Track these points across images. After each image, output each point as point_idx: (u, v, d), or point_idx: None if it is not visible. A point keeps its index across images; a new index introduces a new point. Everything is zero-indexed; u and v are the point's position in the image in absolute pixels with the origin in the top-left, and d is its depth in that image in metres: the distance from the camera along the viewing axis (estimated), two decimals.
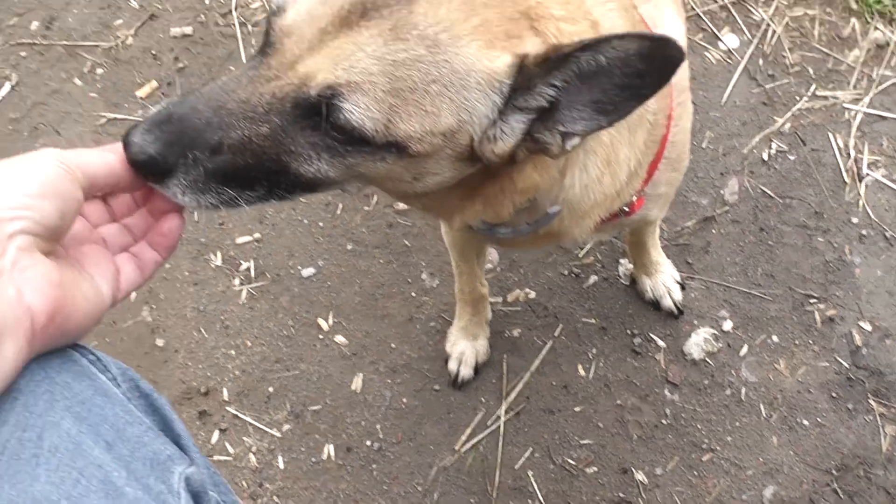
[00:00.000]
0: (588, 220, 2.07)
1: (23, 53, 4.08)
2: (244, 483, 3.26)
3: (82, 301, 1.33)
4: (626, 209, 2.17)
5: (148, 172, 1.50)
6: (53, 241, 1.31)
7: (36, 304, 1.22)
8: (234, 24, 4.05)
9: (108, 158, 1.42)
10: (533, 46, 1.54)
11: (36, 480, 1.22)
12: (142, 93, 3.94)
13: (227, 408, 3.36)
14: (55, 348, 1.37)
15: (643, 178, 2.13)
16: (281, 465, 3.26)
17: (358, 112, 1.46)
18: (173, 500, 1.42)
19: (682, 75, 2.26)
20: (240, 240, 3.62)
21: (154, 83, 3.95)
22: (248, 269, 3.57)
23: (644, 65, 1.39)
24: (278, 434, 3.31)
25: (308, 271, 3.53)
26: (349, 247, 3.55)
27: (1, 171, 1.27)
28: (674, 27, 2.24)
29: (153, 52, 4.02)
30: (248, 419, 3.34)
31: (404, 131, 1.51)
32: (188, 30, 4.04)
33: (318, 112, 1.49)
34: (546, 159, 1.71)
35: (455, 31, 1.48)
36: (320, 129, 1.52)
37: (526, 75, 1.51)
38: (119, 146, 1.48)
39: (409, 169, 1.61)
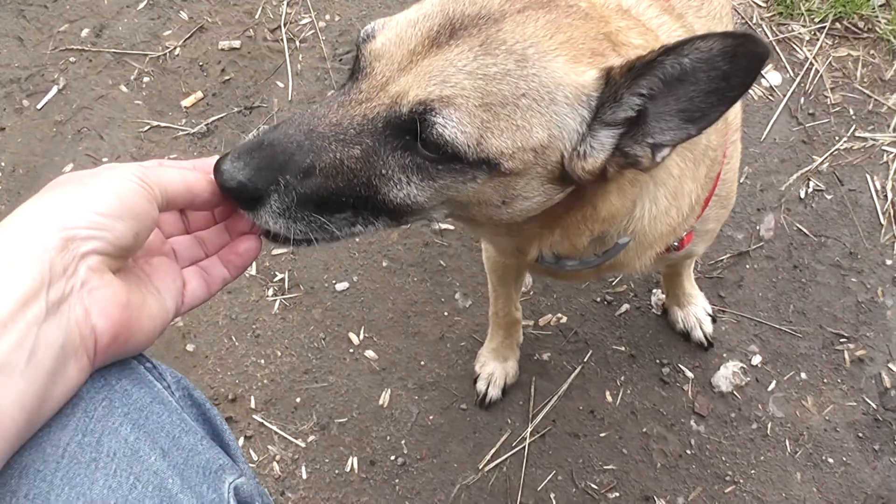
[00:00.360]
0: (651, 251, 2.08)
1: (72, 59, 4.17)
2: (267, 491, 3.27)
3: (147, 321, 1.35)
4: (676, 244, 2.17)
5: (239, 199, 1.54)
6: (125, 258, 1.33)
7: (101, 325, 1.24)
8: (282, 40, 4.12)
9: (187, 176, 1.42)
10: (617, 63, 1.57)
11: (94, 484, 1.25)
12: (186, 102, 4.01)
13: (254, 415, 3.39)
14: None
15: (698, 213, 2.14)
16: (304, 475, 3.28)
17: (451, 126, 1.49)
18: None
19: (735, 113, 2.29)
20: (276, 251, 3.67)
21: (199, 94, 4.02)
22: (282, 281, 3.61)
23: (728, 65, 1.41)
24: (303, 444, 3.33)
25: (342, 285, 3.57)
26: (384, 263, 3.59)
27: (79, 186, 1.27)
28: None
29: (200, 63, 4.10)
30: (274, 428, 3.36)
31: (496, 147, 1.54)
32: (236, 43, 4.11)
33: (409, 131, 1.53)
34: (626, 185, 1.74)
35: (542, 47, 1.53)
36: (411, 149, 1.56)
37: (612, 87, 1.55)
38: (201, 163, 1.51)
39: (499, 191, 1.63)
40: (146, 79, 4.10)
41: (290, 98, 3.96)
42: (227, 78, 4.05)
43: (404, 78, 1.52)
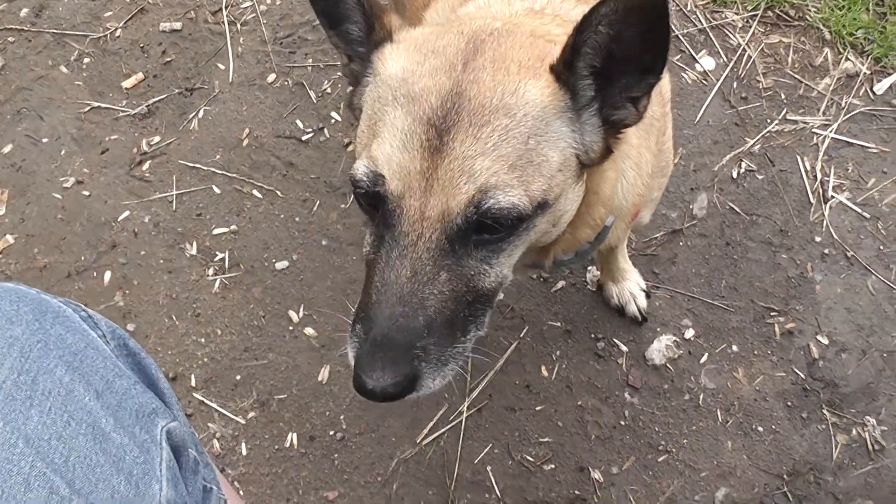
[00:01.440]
0: (623, 224, 2.27)
1: (10, 39, 4.14)
2: (200, 440, 3.27)
3: None
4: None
5: (402, 395, 1.64)
6: None
7: None
8: (223, 22, 4.13)
9: None
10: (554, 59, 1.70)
11: (29, 420, 1.28)
12: (127, 84, 4.00)
13: (194, 394, 3.39)
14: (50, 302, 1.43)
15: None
16: (244, 452, 3.29)
17: (505, 202, 1.59)
18: (156, 449, 1.47)
19: (666, 87, 2.40)
20: (216, 230, 3.67)
21: (140, 75, 4.02)
22: (222, 260, 3.62)
23: (637, 14, 1.49)
24: (243, 421, 3.34)
25: (282, 264, 3.58)
26: (324, 242, 3.61)
27: None
28: None
29: (141, 45, 4.09)
30: (214, 405, 3.37)
31: (538, 189, 1.65)
32: (177, 25, 4.11)
33: (472, 231, 1.64)
34: (617, 159, 1.86)
35: (510, 87, 1.63)
36: (482, 243, 1.68)
37: (564, 79, 1.67)
38: None
39: (550, 218, 1.76)
40: (86, 60, 4.08)
41: (230, 80, 3.97)
42: (167, 60, 4.05)
43: (435, 197, 1.60)
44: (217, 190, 3.75)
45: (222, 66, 4.01)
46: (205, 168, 3.80)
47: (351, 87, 1.90)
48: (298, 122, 3.85)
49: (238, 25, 4.12)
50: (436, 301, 1.64)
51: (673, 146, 2.48)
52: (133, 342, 1.65)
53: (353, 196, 1.82)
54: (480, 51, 1.67)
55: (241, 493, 3.23)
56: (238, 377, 3.42)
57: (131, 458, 1.40)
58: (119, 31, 4.13)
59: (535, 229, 1.73)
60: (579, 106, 1.70)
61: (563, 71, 1.64)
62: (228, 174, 3.78)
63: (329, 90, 3.89)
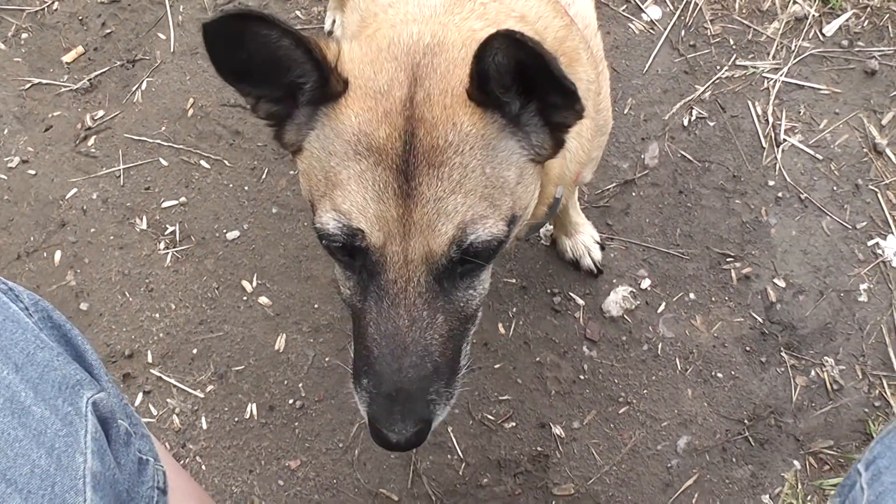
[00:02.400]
0: (570, 187, 2.31)
1: None
2: (167, 444, 3.25)
3: None
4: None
5: (423, 440, 1.71)
6: None
7: None
8: None
9: None
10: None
11: None
12: (68, 58, 3.92)
13: (151, 370, 3.36)
14: None
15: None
16: (204, 426, 3.26)
17: (483, 234, 1.62)
18: (80, 421, 1.44)
19: (598, 46, 2.39)
20: (165, 204, 3.62)
21: (80, 49, 3.93)
22: (173, 233, 3.57)
23: (517, 50, 1.45)
24: (202, 395, 3.31)
25: (233, 234, 3.53)
26: (274, 210, 3.56)
27: None
28: (583, 3, 2.36)
29: (80, 17, 3.99)
30: (172, 381, 3.34)
31: (507, 209, 1.68)
32: None
33: (456, 266, 1.67)
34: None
35: (449, 123, 1.61)
36: (468, 273, 1.71)
37: (483, 103, 1.64)
38: None
39: (520, 223, 1.80)
40: (24, 35, 3.99)
41: (172, 50, 3.89)
42: (108, 31, 3.96)
43: (415, 240, 1.60)
44: (164, 162, 3.69)
45: (163, 36, 3.93)
46: (151, 141, 3.73)
47: (272, 127, 1.83)
48: None
49: None
50: (438, 345, 1.67)
51: (621, 103, 2.47)
52: (58, 314, 1.61)
53: (324, 247, 1.74)
54: (419, 82, 1.64)
55: (203, 467, 3.21)
56: (195, 351, 3.38)
57: (53, 432, 1.37)
58: (56, 3, 4.02)
59: (510, 241, 1.76)
60: (513, 117, 1.68)
61: (479, 96, 1.62)
62: (175, 146, 3.71)
63: None
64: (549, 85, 1.52)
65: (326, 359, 3.31)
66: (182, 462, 3.22)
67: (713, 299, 3.31)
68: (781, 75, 3.67)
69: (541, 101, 1.66)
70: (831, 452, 3.07)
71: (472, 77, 1.58)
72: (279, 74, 1.65)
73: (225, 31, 1.49)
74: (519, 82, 1.60)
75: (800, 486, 3.04)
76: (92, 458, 1.42)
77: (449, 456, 3.13)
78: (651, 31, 3.80)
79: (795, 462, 3.08)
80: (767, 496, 3.04)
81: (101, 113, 3.81)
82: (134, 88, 3.84)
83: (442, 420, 1.75)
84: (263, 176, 3.61)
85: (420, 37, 1.72)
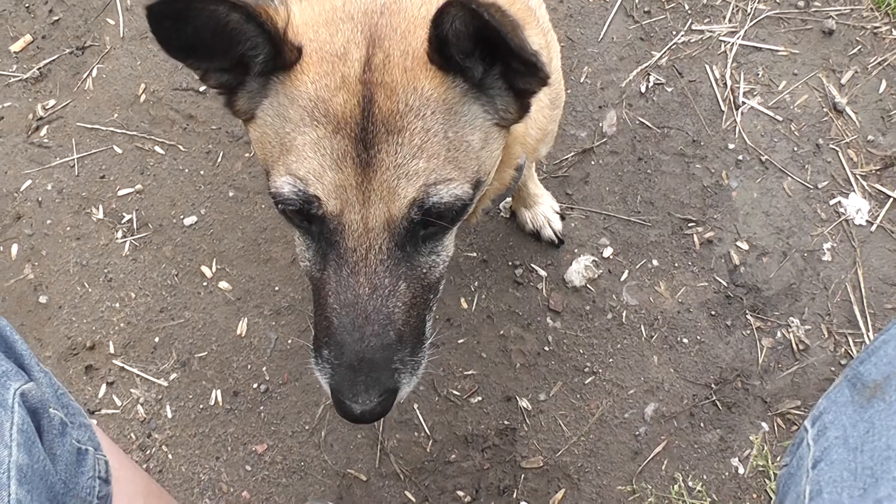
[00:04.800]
0: (531, 157, 2.27)
1: None
2: (133, 435, 3.21)
3: None
4: None
5: (388, 411, 1.66)
6: None
7: None
8: None
9: None
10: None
11: None
12: (15, 47, 3.85)
13: (114, 361, 3.31)
14: None
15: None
16: (169, 415, 3.22)
17: (448, 194, 1.58)
18: (5, 413, 1.40)
19: (544, 16, 2.34)
20: (121, 192, 3.56)
21: (28, 37, 3.86)
22: (130, 221, 3.52)
23: (473, 19, 1.42)
24: (165, 383, 3.27)
25: (190, 220, 3.48)
26: (231, 194, 3.51)
27: None
28: None
29: (26, 5, 3.92)
30: (135, 371, 3.29)
31: (471, 172, 1.63)
32: None
33: (418, 230, 1.62)
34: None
35: (409, 87, 1.56)
36: (431, 236, 1.67)
37: (445, 68, 1.59)
38: None
39: (486, 183, 1.74)
40: None
41: (121, 35, 3.82)
42: (55, 18, 3.89)
43: (375, 207, 1.56)
44: (118, 150, 3.63)
45: (112, 21, 3.86)
46: (104, 128, 3.67)
47: (223, 96, 1.75)
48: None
49: None
50: (401, 313, 1.64)
51: (577, 71, 2.43)
52: None
53: (280, 211, 1.69)
54: (378, 43, 1.59)
55: (169, 456, 3.17)
56: (157, 339, 3.34)
57: None
58: None
59: (473, 205, 1.71)
60: (476, 81, 1.63)
61: (440, 60, 1.57)
62: (128, 132, 3.65)
63: None
64: (511, 52, 1.47)
65: (289, 341, 3.27)
66: (148, 452, 3.18)
67: (676, 265, 3.29)
68: (738, 38, 3.65)
69: (504, 66, 1.61)
70: (799, 412, 3.06)
71: (431, 42, 1.54)
72: (228, 48, 1.58)
73: (169, 11, 1.44)
74: (481, 47, 1.56)
75: (767, 448, 3.03)
76: (18, 450, 1.38)
77: (416, 433, 3.10)
78: None
79: (763, 424, 3.07)
80: (736, 459, 3.03)
81: (52, 102, 3.75)
82: (84, 76, 3.78)
83: (409, 391, 1.71)
84: (219, 159, 3.56)
85: None
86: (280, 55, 1.59)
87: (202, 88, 3.68)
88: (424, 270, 1.70)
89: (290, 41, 1.60)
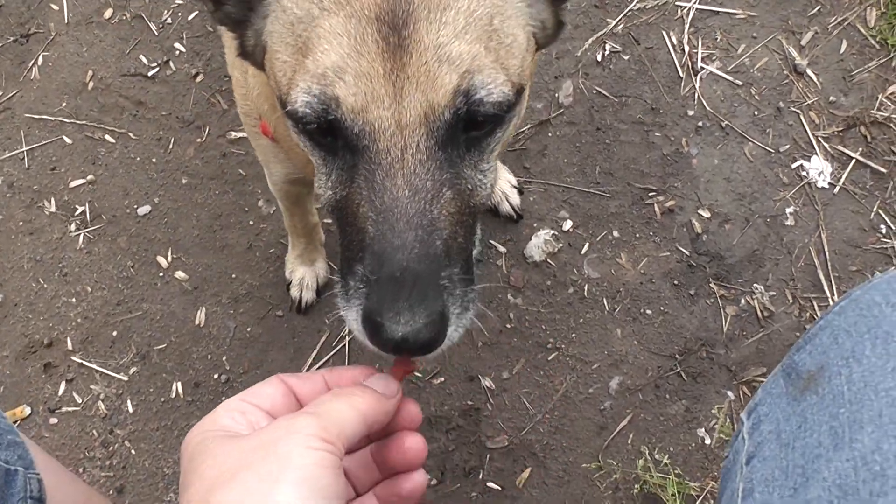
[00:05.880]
0: None
1: None
2: (94, 432, 3.16)
3: None
4: None
5: (437, 342, 1.35)
6: None
7: None
8: None
9: (365, 413, 1.16)
10: None
11: None
12: None
13: (73, 357, 3.26)
14: None
15: None
16: (130, 409, 3.17)
17: (495, 87, 1.38)
18: None
19: None
20: (73, 183, 3.49)
21: None
22: (83, 213, 3.45)
23: None
24: (125, 378, 3.22)
25: (144, 209, 3.42)
26: (184, 181, 3.44)
27: (266, 476, 1.01)
28: None
29: None
30: (94, 366, 3.24)
31: (515, 71, 1.45)
32: None
33: (459, 128, 1.41)
34: None
35: None
36: (473, 142, 1.45)
37: None
38: (360, 372, 1.26)
39: (524, 98, 1.57)
40: None
41: (66, 21, 3.74)
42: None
43: (410, 98, 1.34)
44: (68, 140, 3.56)
45: (56, 7, 3.77)
46: (52, 118, 3.59)
47: (233, 32, 1.62)
48: (142, 57, 3.64)
49: None
50: (448, 222, 1.38)
51: None
52: None
53: (299, 134, 1.49)
54: None
55: (133, 451, 3.13)
56: (115, 333, 3.28)
57: None
58: None
59: (514, 121, 1.54)
60: None
61: None
62: (77, 122, 3.58)
63: (169, 20, 3.68)
64: None
65: (248, 329, 3.22)
66: (111, 448, 3.13)
67: (637, 235, 3.25)
68: (695, 3, 3.60)
69: None
70: (764, 380, 3.03)
71: None
72: None
73: None
74: None
75: (733, 417, 3.00)
76: None
77: None
78: None
79: (729, 393, 3.04)
80: (703, 430, 3.00)
81: None
82: (30, 64, 3.69)
83: (461, 332, 1.43)
84: (170, 146, 3.49)
85: None
86: None
87: (150, 73, 3.61)
88: (470, 186, 1.46)
89: None
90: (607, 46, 3.52)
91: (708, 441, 2.98)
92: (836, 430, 1.14)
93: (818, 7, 3.56)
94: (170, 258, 3.35)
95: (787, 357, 1.36)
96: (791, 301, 3.13)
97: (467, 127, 1.41)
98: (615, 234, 3.25)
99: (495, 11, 1.41)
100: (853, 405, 1.14)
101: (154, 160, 3.48)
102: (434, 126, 1.36)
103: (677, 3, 3.60)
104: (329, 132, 1.42)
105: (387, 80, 1.33)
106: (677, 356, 3.08)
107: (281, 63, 1.47)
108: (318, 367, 3.13)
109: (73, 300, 3.34)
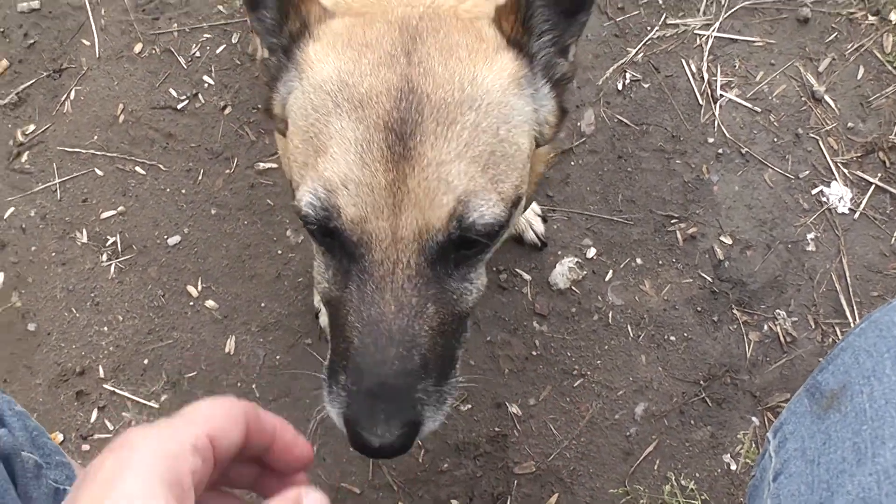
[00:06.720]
0: None
1: None
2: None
3: None
4: None
5: (408, 448, 1.47)
6: None
7: None
8: None
9: (240, 423, 1.03)
10: (494, 29, 1.56)
11: None
12: None
13: (104, 385, 3.31)
14: None
15: None
16: None
17: (489, 212, 1.43)
18: None
19: None
20: (104, 214, 3.56)
21: (4, 62, 3.84)
22: (114, 244, 3.51)
23: None
24: (156, 405, 3.27)
25: (174, 240, 3.48)
26: (213, 211, 3.51)
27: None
28: None
29: (1, 29, 3.91)
30: (126, 394, 3.29)
31: (512, 186, 1.51)
32: (35, 4, 3.92)
33: (452, 248, 1.47)
34: None
35: (466, 76, 1.46)
36: (463, 260, 1.52)
37: (524, 44, 1.54)
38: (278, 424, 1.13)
39: (521, 205, 1.63)
40: None
41: (97, 55, 3.81)
42: (31, 42, 3.88)
43: (408, 213, 1.40)
44: (100, 172, 3.63)
45: (87, 42, 3.85)
46: (84, 151, 3.67)
47: (266, 86, 1.70)
48: (172, 90, 3.72)
49: None
50: (428, 338, 1.47)
51: None
52: None
53: (303, 228, 1.61)
54: (419, 39, 1.49)
55: None
56: (146, 361, 3.34)
57: None
58: None
59: (509, 229, 1.60)
60: (534, 73, 1.57)
61: (522, 33, 1.51)
62: (109, 154, 3.65)
63: (198, 54, 3.76)
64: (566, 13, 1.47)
65: (277, 357, 3.27)
66: None
67: (660, 262, 3.29)
68: (713, 31, 3.65)
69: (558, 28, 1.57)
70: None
71: (516, 9, 1.50)
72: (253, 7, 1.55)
73: None
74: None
75: (758, 443, 3.03)
76: None
77: None
78: None
79: (753, 418, 3.07)
80: (728, 455, 3.04)
81: (31, 127, 3.74)
82: (63, 98, 3.77)
83: (434, 427, 1.54)
84: (199, 177, 3.56)
85: (413, 10, 1.61)
86: (286, 21, 1.56)
87: (179, 106, 3.68)
88: (455, 297, 1.54)
89: (300, 8, 1.55)
90: (628, 75, 3.58)
91: (734, 467, 3.02)
92: (859, 445, 1.20)
93: (835, 34, 3.61)
94: (200, 287, 3.41)
95: (811, 377, 1.41)
96: (813, 326, 3.17)
97: (458, 246, 1.48)
98: (638, 261, 3.30)
99: (502, 121, 1.48)
100: (875, 422, 1.20)
101: (183, 191, 3.54)
102: (426, 245, 1.43)
103: (696, 31, 3.65)
104: (329, 234, 1.49)
105: (388, 191, 1.39)
106: (702, 382, 3.12)
107: (294, 147, 1.54)
108: None
109: (105, 329, 3.40)
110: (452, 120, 1.41)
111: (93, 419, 3.28)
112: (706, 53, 3.61)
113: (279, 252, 3.41)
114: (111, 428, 3.26)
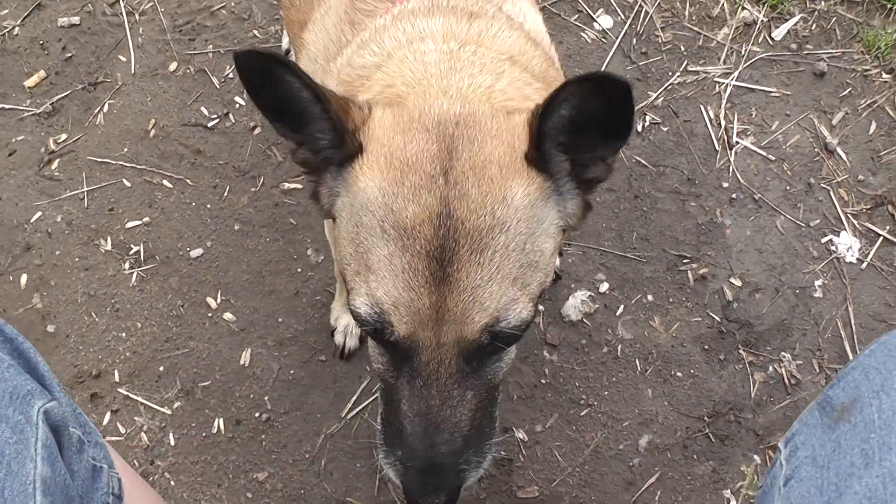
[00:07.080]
0: None
1: None
2: (136, 462, 3.26)
3: None
4: None
5: (454, 501, 1.79)
6: None
7: None
8: (121, 13, 4.07)
9: None
10: (524, 139, 1.63)
11: None
12: (30, 83, 3.94)
13: (119, 389, 3.37)
14: None
15: None
16: (172, 442, 3.27)
17: (515, 318, 1.61)
18: (31, 429, 1.47)
19: (555, 58, 2.36)
20: (129, 224, 3.64)
21: (42, 73, 3.96)
22: (137, 253, 3.59)
23: (603, 96, 1.42)
24: (169, 412, 3.32)
25: (196, 252, 3.56)
26: (236, 227, 3.59)
27: None
28: (533, 19, 2.32)
29: (40, 42, 4.03)
30: (140, 399, 3.35)
31: (537, 286, 1.67)
32: (76, 19, 4.05)
33: (485, 348, 1.66)
34: None
35: (497, 197, 1.57)
36: (496, 352, 1.73)
37: (540, 165, 1.61)
38: None
39: (545, 292, 1.78)
40: None
41: (133, 72, 3.92)
42: (69, 55, 3.99)
43: (448, 326, 1.59)
44: (127, 183, 3.72)
45: (123, 59, 3.96)
46: (114, 162, 3.76)
47: (306, 175, 1.80)
48: (203, 108, 3.82)
49: (136, 16, 4.07)
50: (468, 419, 1.71)
51: None
52: (10, 328, 1.64)
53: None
54: (455, 154, 1.58)
55: (172, 483, 3.22)
56: (161, 368, 3.40)
57: (3, 440, 1.40)
58: (17, 29, 4.06)
59: (536, 317, 1.83)
60: (558, 180, 1.64)
61: (535, 157, 1.58)
62: (137, 166, 3.74)
63: (231, 75, 3.87)
64: (603, 132, 1.51)
65: (291, 371, 3.33)
66: (151, 479, 3.23)
67: (671, 300, 3.36)
68: (732, 79, 3.75)
69: (577, 159, 1.63)
70: None
71: (532, 135, 1.56)
72: (301, 122, 1.63)
73: (252, 66, 1.48)
74: (566, 144, 1.59)
75: (758, 479, 3.08)
76: (42, 464, 1.44)
77: None
78: (603, 39, 3.87)
79: (755, 456, 3.13)
80: (728, 491, 3.09)
81: (63, 136, 3.84)
82: (96, 111, 3.87)
83: (475, 480, 1.82)
84: (225, 193, 3.65)
85: (450, 107, 1.66)
86: (343, 145, 1.63)
87: (210, 124, 3.78)
88: (489, 377, 1.77)
89: (354, 134, 1.63)
90: (647, 118, 3.67)
91: (733, 502, 3.07)
92: (867, 451, 1.28)
93: (849, 89, 3.71)
94: (219, 300, 3.48)
95: (823, 393, 1.49)
96: (818, 370, 3.23)
97: (491, 343, 1.66)
98: (649, 297, 3.37)
99: (529, 235, 1.60)
100: (883, 430, 1.28)
101: (209, 206, 3.63)
102: (463, 349, 1.64)
103: (715, 79, 3.75)
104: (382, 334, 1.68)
105: (431, 309, 1.58)
106: (706, 418, 3.18)
107: (346, 250, 1.69)
108: (358, 412, 3.23)
109: (123, 335, 3.47)
110: (484, 246, 1.54)
111: (105, 421, 3.33)
112: (724, 101, 3.71)
113: (299, 270, 3.49)
114: (123, 431, 3.31)
